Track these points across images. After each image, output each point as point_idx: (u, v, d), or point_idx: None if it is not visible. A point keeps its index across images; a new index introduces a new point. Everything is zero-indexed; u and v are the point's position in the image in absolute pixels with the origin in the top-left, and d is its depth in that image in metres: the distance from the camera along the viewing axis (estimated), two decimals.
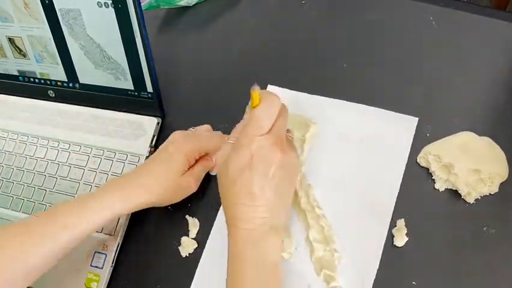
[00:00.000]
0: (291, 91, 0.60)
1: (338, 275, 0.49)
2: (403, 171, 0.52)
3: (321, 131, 0.56)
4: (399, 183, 0.52)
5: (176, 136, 0.54)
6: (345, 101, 0.58)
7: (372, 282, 0.48)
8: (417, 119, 0.54)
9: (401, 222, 0.49)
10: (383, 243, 0.49)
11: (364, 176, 0.53)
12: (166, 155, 0.52)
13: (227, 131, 0.60)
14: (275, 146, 0.45)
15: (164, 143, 0.54)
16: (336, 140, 0.56)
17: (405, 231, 0.49)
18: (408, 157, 0.53)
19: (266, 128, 0.45)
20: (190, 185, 0.53)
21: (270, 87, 0.61)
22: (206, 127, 0.58)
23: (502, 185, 0.50)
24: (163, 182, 0.51)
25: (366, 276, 0.49)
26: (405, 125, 0.54)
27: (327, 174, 0.54)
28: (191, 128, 0.57)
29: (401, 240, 0.49)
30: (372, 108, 0.56)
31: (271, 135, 0.45)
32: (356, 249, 0.50)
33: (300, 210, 0.53)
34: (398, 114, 0.55)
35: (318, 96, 0.59)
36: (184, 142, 0.53)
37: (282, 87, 0.61)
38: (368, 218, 0.51)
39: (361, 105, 0.57)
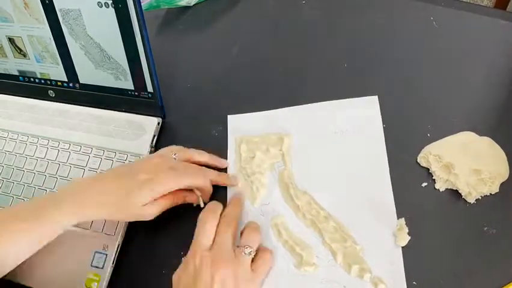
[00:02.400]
0: (254, 113, 0.61)
1: (368, 266, 0.49)
2: (385, 147, 0.54)
3: (296, 139, 0.57)
4: (386, 157, 0.53)
5: (150, 165, 0.51)
6: (308, 104, 0.59)
7: (402, 259, 0.48)
8: (376, 96, 0.56)
9: (401, 222, 0.49)
10: (396, 217, 0.50)
11: (351, 164, 0.54)
12: (133, 184, 0.50)
13: (224, 132, 0.60)
14: (217, 260, 0.46)
15: (136, 163, 0.53)
16: (313, 142, 0.57)
17: (407, 231, 0.49)
18: (409, 157, 0.53)
19: (207, 243, 0.48)
20: (150, 215, 0.51)
21: (230, 117, 0.61)
22: (190, 155, 0.56)
23: (503, 185, 0.50)
24: (122, 210, 0.50)
25: (395, 256, 0.48)
26: (369, 105, 0.56)
27: (317, 177, 0.55)
28: (174, 155, 0.55)
29: (403, 239, 0.49)
30: (333, 101, 0.58)
31: (213, 250, 0.47)
32: (374, 235, 0.50)
33: (307, 220, 0.53)
34: (357, 98, 0.57)
35: (282, 109, 0.60)
36: (155, 180, 0.50)
37: (282, 86, 0.62)
38: (370, 201, 0.51)
39: (323, 102, 0.58)
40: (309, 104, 0.59)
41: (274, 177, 0.56)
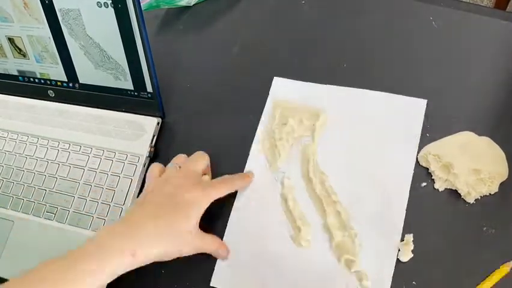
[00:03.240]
0: (300, 82, 0.61)
1: (359, 259, 0.49)
2: (416, 152, 0.53)
3: (332, 119, 0.57)
4: (413, 165, 0.52)
5: (171, 189, 0.50)
6: (353, 88, 0.58)
7: (394, 265, 0.48)
8: (425, 100, 0.55)
9: (409, 238, 0.49)
10: (402, 226, 0.50)
11: (377, 160, 0.54)
12: (176, 213, 0.48)
13: (224, 132, 0.60)
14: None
15: (151, 196, 0.50)
16: (347, 127, 0.56)
17: (412, 248, 0.48)
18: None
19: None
20: (210, 247, 0.51)
21: (276, 79, 0.61)
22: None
23: (502, 184, 0.50)
24: (178, 244, 0.48)
25: (388, 259, 0.49)
26: (415, 108, 0.55)
27: (340, 161, 0.55)
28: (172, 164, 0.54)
29: (406, 256, 0.48)
30: (380, 93, 0.57)
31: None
32: (374, 233, 0.50)
33: (316, 198, 0.53)
34: (406, 97, 0.56)
35: (327, 85, 0.59)
36: (195, 200, 0.49)
37: None
38: (383, 200, 0.51)
39: (369, 90, 0.57)
40: (357, 89, 0.58)
41: (298, 149, 0.57)
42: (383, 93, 0.57)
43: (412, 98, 0.55)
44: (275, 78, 0.61)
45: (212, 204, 0.51)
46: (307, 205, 0.53)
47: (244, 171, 0.57)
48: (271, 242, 0.53)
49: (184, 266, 0.54)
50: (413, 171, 0.52)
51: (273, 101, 0.60)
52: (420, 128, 0.54)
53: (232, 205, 0.55)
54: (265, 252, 0.52)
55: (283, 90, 0.61)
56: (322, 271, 0.50)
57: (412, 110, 0.55)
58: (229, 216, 0.55)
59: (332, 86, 0.59)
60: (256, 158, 0.58)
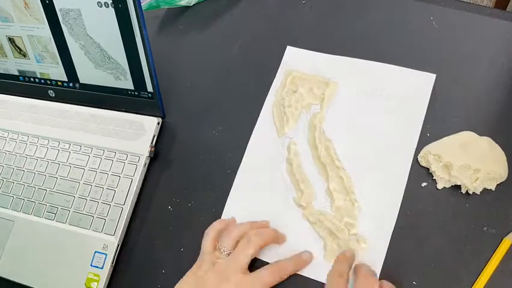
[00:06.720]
0: (312, 52, 0.62)
1: (358, 223, 0.51)
2: (421, 125, 0.54)
3: (341, 89, 0.58)
4: (418, 136, 0.53)
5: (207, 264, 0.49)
6: (364, 60, 0.59)
7: (391, 232, 0.50)
8: (434, 75, 0.56)
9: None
10: (402, 195, 0.51)
11: (382, 130, 0.55)
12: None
13: (224, 132, 0.60)
14: None
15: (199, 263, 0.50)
16: (355, 97, 0.57)
17: None
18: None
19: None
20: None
21: (289, 48, 0.63)
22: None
23: (502, 185, 0.50)
24: None
25: (386, 226, 0.50)
26: (423, 81, 0.56)
27: (346, 130, 0.56)
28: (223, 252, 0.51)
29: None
30: (391, 66, 0.58)
31: None
32: (375, 200, 0.52)
33: (320, 164, 0.54)
34: (416, 71, 0.57)
35: (339, 56, 0.60)
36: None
37: None
38: (386, 170, 0.53)
39: (380, 63, 0.58)
40: (368, 61, 0.59)
41: (306, 117, 0.58)
42: (392, 66, 0.58)
43: (421, 72, 0.56)
44: (288, 47, 0.63)
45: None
46: (311, 170, 0.55)
47: (252, 135, 0.58)
48: (273, 201, 0.54)
49: (186, 265, 0.54)
50: (416, 145, 0.53)
51: (285, 69, 0.61)
52: (427, 101, 0.55)
53: (238, 169, 0.57)
54: (265, 212, 0.54)
55: (296, 59, 0.62)
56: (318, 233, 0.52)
57: (421, 83, 0.56)
58: (234, 178, 0.57)
59: (344, 57, 0.60)
60: (265, 123, 0.59)
